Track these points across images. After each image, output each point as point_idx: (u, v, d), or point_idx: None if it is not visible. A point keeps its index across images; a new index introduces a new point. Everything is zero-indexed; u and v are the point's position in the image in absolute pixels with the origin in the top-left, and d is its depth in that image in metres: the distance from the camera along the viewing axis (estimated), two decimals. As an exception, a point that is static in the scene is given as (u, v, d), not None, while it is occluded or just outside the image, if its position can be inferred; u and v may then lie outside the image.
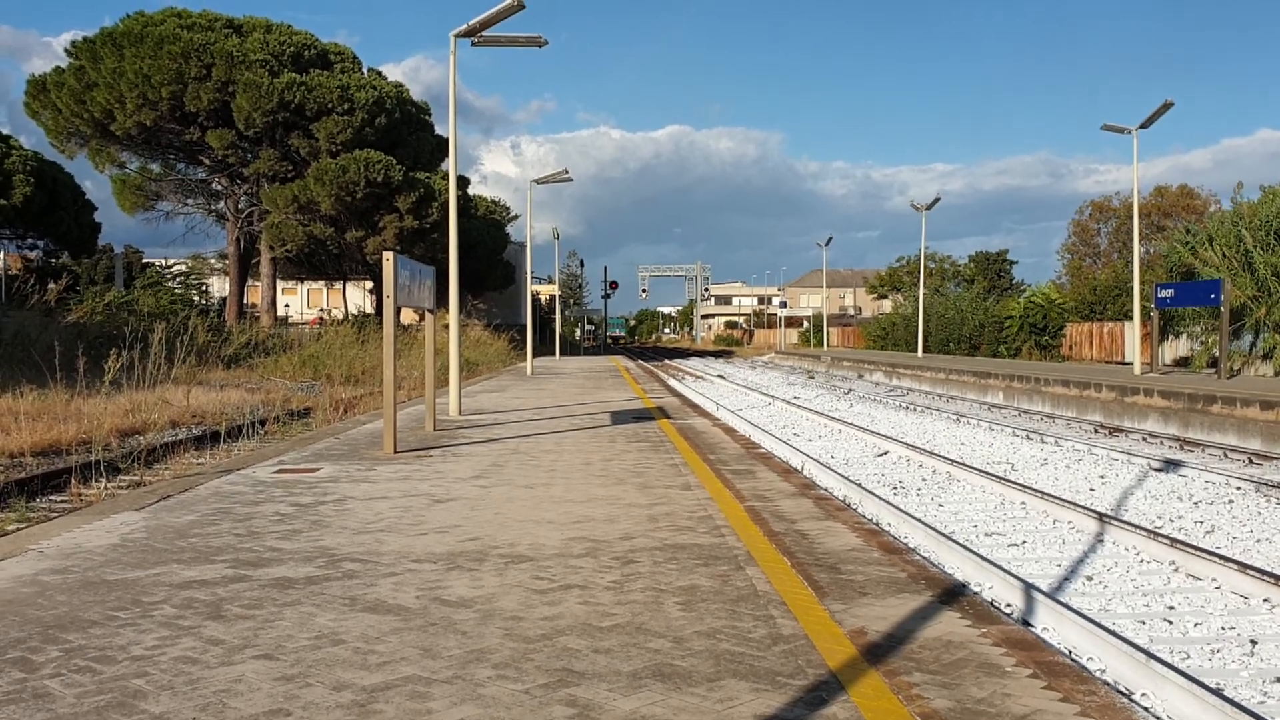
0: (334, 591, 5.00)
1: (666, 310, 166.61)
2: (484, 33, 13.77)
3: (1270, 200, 27.26)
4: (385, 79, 42.74)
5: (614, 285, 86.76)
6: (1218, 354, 24.90)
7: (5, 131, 39.87)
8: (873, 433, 17.76)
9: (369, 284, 52.88)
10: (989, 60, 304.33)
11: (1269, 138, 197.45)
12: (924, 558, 6.35)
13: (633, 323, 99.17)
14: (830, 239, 64.25)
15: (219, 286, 57.02)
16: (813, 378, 41.36)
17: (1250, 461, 14.66)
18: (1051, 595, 6.94)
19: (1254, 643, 6.30)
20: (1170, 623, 6.77)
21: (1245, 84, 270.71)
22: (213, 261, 57.87)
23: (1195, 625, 6.71)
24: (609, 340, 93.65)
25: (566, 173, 31.08)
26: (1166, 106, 25.65)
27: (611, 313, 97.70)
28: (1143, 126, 26.35)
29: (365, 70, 42.41)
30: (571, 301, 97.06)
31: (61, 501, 10.19)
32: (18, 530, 7.09)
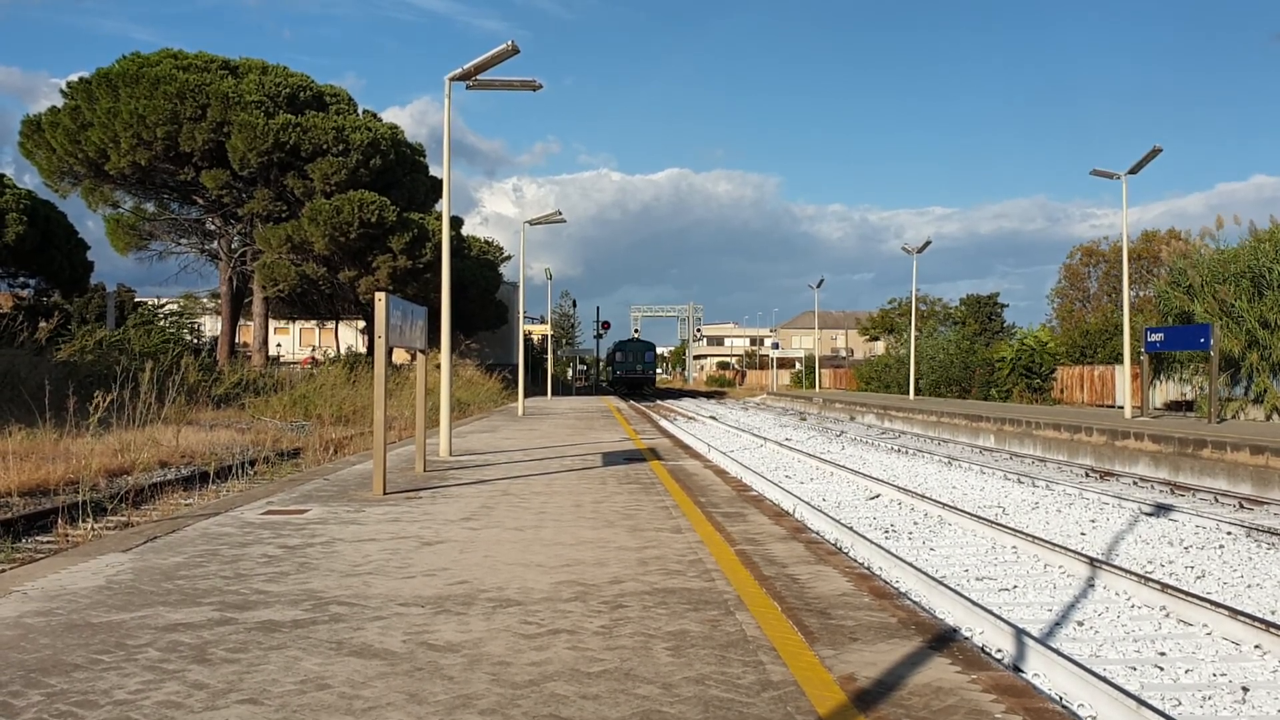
0: (320, 635, 4.96)
1: (659, 350, 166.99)
2: (479, 76, 13.89)
3: (1254, 248, 27.44)
4: (381, 120, 43.09)
5: (606, 325, 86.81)
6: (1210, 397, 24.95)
7: (9, 171, 40.09)
8: (864, 475, 17.75)
9: (361, 323, 52.93)
10: (988, 104, 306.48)
11: (1263, 183, 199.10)
12: (915, 602, 6.33)
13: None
14: (822, 281, 64.46)
15: (211, 326, 56.96)
16: (805, 419, 41.36)
17: (1241, 506, 14.66)
18: (1042, 641, 6.91)
19: (1245, 690, 6.27)
20: (1161, 669, 6.75)
21: (1240, 130, 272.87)
22: (205, 301, 57.93)
23: (1186, 671, 6.68)
24: (612, 378, 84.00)
25: (560, 214, 31.26)
26: (1155, 152, 25.92)
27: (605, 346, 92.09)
28: (1132, 172, 26.59)
29: (361, 112, 42.77)
30: (564, 341, 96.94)
31: (48, 542, 10.11)
32: (2, 572, 7.03)
